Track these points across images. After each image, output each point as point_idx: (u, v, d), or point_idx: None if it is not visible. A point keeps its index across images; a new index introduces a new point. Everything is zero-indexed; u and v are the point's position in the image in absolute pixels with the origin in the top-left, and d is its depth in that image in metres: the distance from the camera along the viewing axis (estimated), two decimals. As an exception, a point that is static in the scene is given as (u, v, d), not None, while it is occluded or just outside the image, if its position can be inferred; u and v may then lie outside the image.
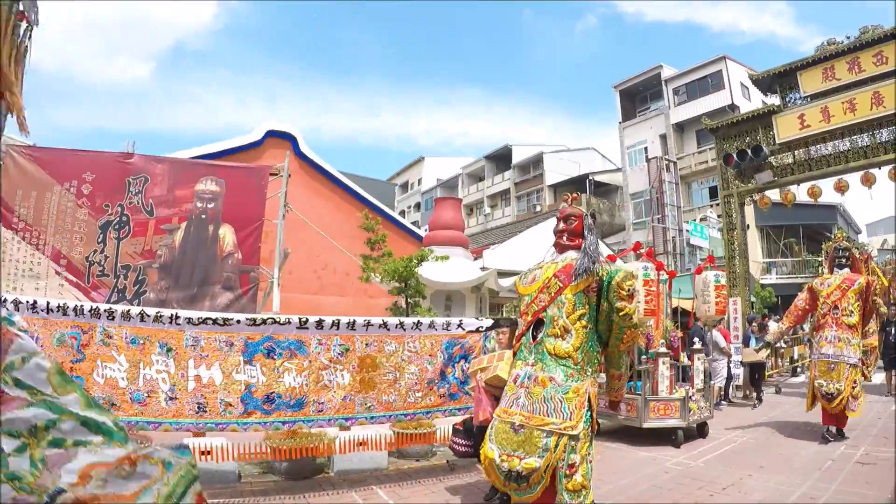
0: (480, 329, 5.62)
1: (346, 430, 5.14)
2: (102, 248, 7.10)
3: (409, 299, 8.62)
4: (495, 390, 4.17)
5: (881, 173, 10.76)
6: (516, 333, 3.83)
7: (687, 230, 22.00)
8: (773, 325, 11.58)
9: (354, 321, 5.09)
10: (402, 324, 5.39)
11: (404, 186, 53.70)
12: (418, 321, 5.45)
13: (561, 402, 3.26)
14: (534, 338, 3.54)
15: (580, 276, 3.45)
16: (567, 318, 3.42)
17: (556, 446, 3.18)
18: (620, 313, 3.40)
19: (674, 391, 7.37)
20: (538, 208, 34.70)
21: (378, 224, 9.22)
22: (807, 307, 7.64)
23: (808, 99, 11.77)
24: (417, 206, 50.82)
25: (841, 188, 11.25)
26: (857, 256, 7.86)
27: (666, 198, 23.95)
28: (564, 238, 3.74)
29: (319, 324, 4.93)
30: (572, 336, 3.40)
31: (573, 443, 3.20)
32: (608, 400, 4.02)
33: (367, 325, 5.17)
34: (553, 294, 3.51)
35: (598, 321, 3.49)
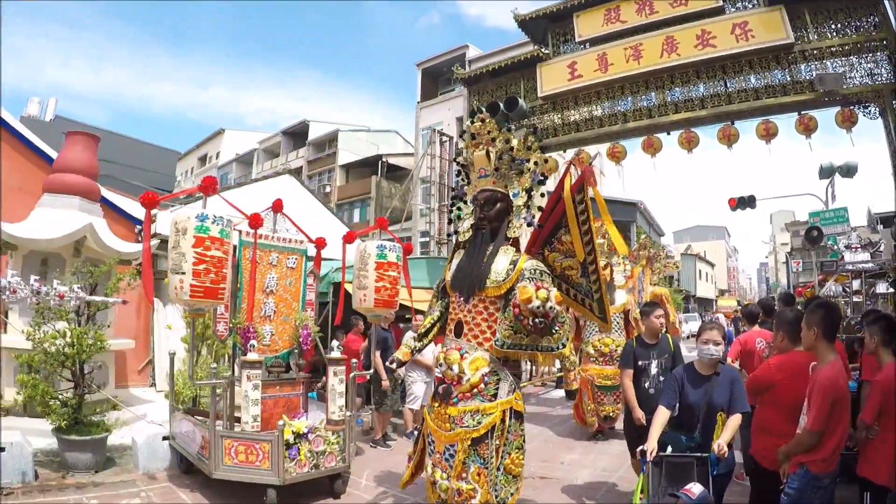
0: None
1: None
2: None
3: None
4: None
5: (669, 139, 8.31)
6: None
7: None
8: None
9: None
10: None
11: (203, 160, 48.33)
12: None
13: None
14: None
15: None
16: None
17: None
18: None
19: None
20: (328, 189, 30.94)
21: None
22: None
23: (586, 45, 9.15)
24: (213, 182, 45.63)
25: (616, 154, 8.70)
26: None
27: (453, 181, 21.33)
28: None
29: None
30: None
31: None
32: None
33: None
34: None
35: None
